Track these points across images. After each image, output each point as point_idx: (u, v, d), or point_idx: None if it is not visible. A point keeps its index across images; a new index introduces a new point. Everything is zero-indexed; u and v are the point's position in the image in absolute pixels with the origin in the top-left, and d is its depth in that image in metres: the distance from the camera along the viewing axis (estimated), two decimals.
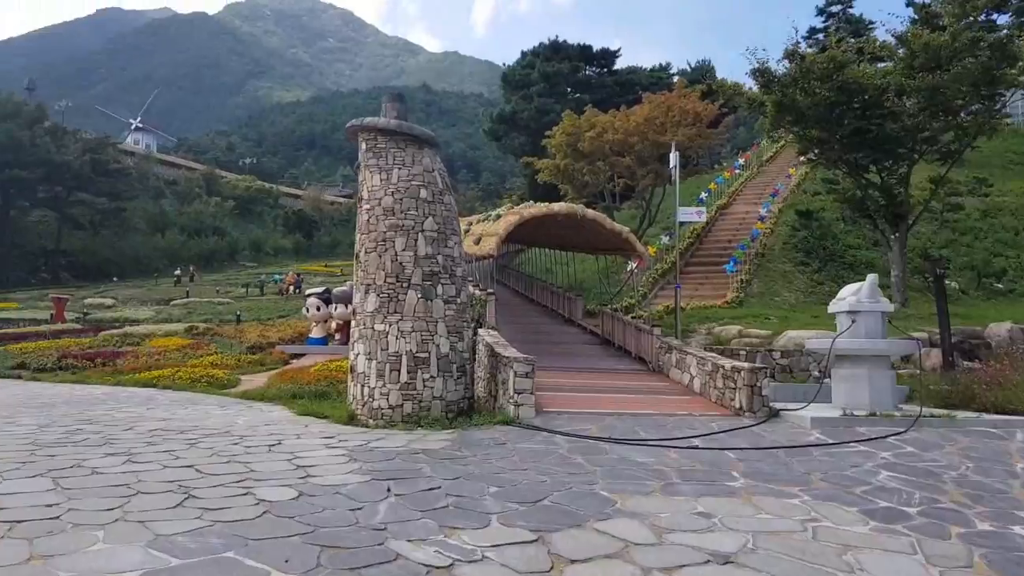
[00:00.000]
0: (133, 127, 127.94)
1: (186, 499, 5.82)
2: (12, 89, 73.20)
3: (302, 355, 20.78)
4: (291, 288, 40.10)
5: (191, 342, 23.30)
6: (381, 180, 10.82)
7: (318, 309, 21.58)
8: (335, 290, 21.73)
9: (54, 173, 54.50)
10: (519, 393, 9.97)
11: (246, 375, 17.74)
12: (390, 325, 10.35)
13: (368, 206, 10.86)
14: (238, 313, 29.95)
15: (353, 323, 10.98)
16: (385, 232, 10.60)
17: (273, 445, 8.32)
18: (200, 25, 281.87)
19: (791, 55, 20.20)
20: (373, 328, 10.44)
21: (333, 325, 21.26)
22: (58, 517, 5.16)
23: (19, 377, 18.65)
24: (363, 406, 10.40)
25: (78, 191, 56.60)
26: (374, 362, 10.38)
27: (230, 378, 16.29)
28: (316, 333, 21.68)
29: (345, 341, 21.08)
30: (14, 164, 51.73)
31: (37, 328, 27.33)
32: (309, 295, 21.92)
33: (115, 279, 52.75)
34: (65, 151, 56.85)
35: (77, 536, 4.74)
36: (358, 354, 10.65)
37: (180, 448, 7.94)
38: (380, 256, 10.58)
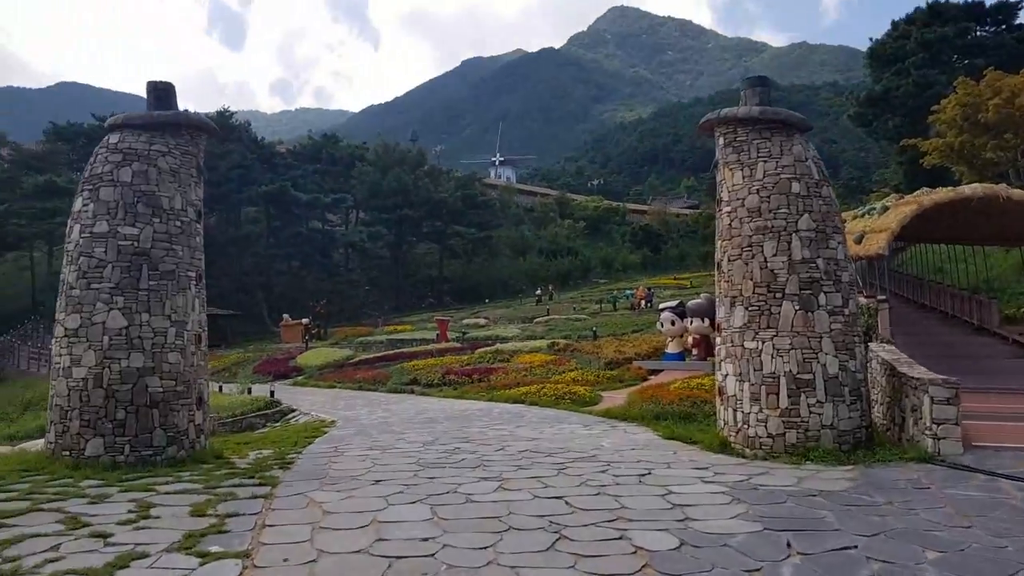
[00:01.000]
0: (494, 162, 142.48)
1: (557, 540, 5.30)
2: (399, 141, 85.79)
3: (659, 371, 20.16)
4: (642, 302, 40.13)
5: (553, 358, 24.15)
6: (744, 177, 9.63)
7: (672, 324, 20.81)
8: (689, 303, 20.78)
9: (434, 210, 62.25)
10: (939, 423, 7.98)
11: (606, 391, 17.61)
12: (762, 342, 9.06)
13: (729, 208, 9.74)
14: (594, 329, 30.57)
15: (719, 340, 9.90)
16: (751, 236, 9.37)
17: (643, 475, 7.60)
18: (547, 59, 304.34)
19: None
20: (743, 346, 9.25)
21: (689, 340, 20.30)
22: (433, 555, 4.95)
23: (411, 392, 20.90)
24: (736, 433, 9.25)
25: (454, 224, 63.92)
26: (746, 384, 9.17)
27: (591, 395, 16.24)
28: (672, 348, 20.93)
29: (703, 357, 20.04)
30: (403, 205, 60.20)
31: (427, 347, 30.85)
32: (663, 309, 21.29)
33: (487, 301, 58.21)
34: (441, 189, 64.69)
35: None
36: (727, 375, 9.53)
37: (548, 474, 7.62)
38: (746, 264, 9.36)
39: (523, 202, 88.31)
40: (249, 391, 21.69)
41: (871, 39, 33.75)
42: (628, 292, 45.05)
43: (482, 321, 42.91)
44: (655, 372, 20.30)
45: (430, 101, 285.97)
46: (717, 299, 10.04)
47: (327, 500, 6.49)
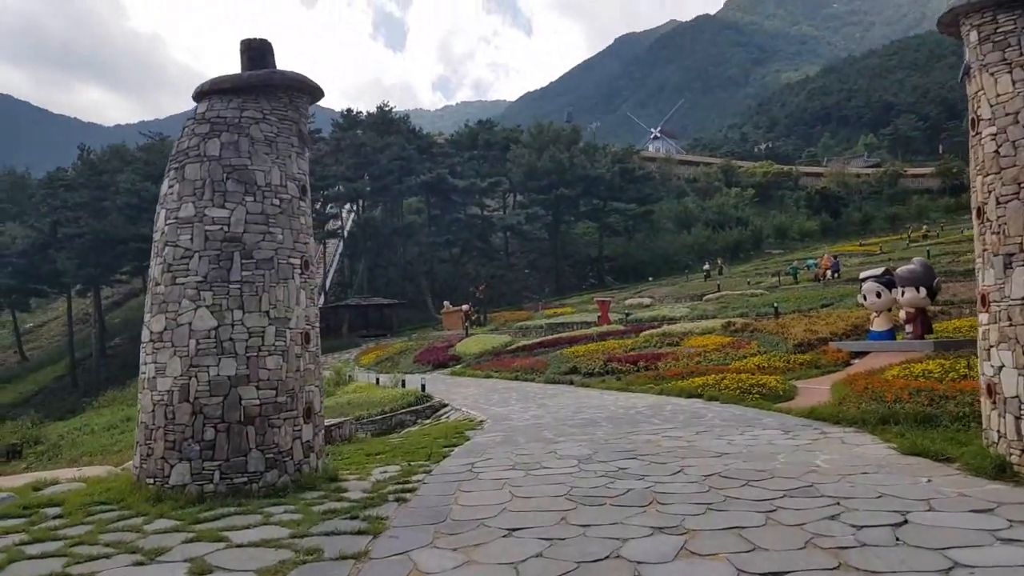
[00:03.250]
0: (652, 136, 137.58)
1: None
2: (557, 123, 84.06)
3: (865, 353, 16.86)
4: (828, 273, 35.74)
5: (731, 340, 21.33)
6: (1015, 82, 6.68)
7: (878, 296, 17.33)
8: (899, 270, 17.22)
9: (591, 187, 59.99)
10: None
11: (801, 381, 14.73)
12: None
13: (994, 129, 6.83)
14: (775, 305, 27.16)
15: (986, 317, 7.04)
16: None
17: (897, 526, 5.10)
18: (703, 27, 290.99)
19: None
20: None
21: (902, 315, 16.79)
22: None
23: (570, 383, 18.96)
24: (1022, 452, 6.42)
25: (612, 200, 61.37)
26: None
27: (784, 387, 13.47)
28: (879, 326, 17.46)
29: (919, 334, 16.50)
30: (559, 183, 58.43)
31: (587, 331, 28.87)
32: (865, 279, 17.82)
33: (650, 279, 55.31)
34: (597, 165, 62.25)
35: None
36: (1001, 367, 6.70)
37: (752, 522, 5.30)
38: None
39: (685, 173, 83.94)
40: (403, 384, 20.73)
41: None
42: (811, 262, 40.60)
43: (646, 301, 40.29)
44: (859, 355, 17.02)
45: (585, 83, 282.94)
46: (980, 258, 7.16)
47: (435, 570, 4.59)
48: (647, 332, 25.53)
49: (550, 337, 29.89)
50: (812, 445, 8.45)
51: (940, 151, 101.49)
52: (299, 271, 7.85)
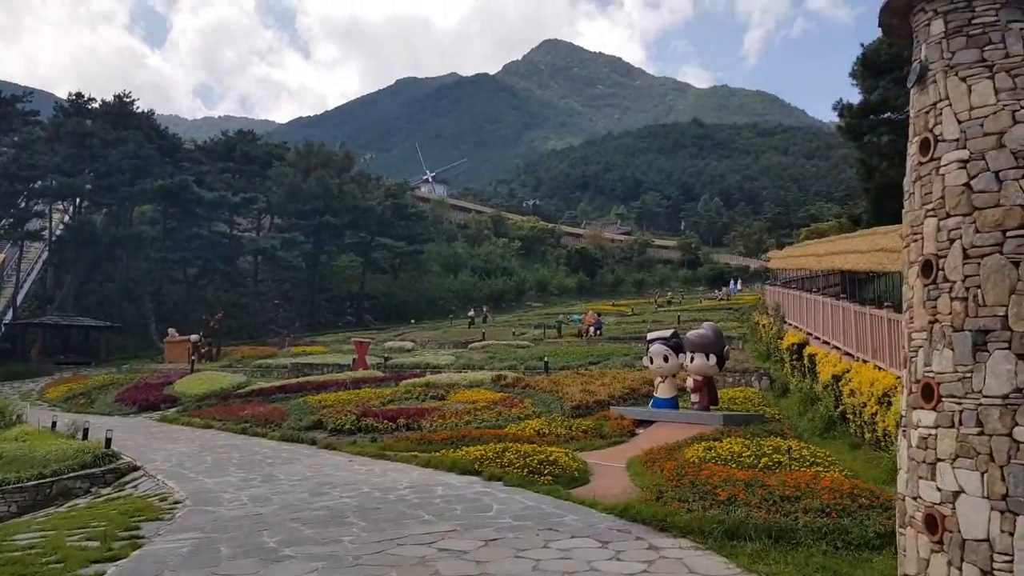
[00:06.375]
0: (424, 179, 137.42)
1: None
2: (329, 147, 79.32)
3: (650, 422, 15.23)
4: (591, 329, 35.34)
5: (502, 396, 18.94)
6: (999, 91, 4.72)
7: (665, 360, 15.87)
8: (690, 334, 15.93)
9: (360, 218, 56.23)
10: None
11: (589, 454, 12.45)
12: None
13: (962, 155, 4.81)
14: (545, 360, 25.54)
15: (930, 417, 4.89)
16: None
17: None
18: (482, 85, 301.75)
19: None
20: (1010, 436, 4.33)
21: (689, 382, 15.42)
22: None
23: (313, 442, 15.23)
24: None
25: (380, 235, 58.01)
26: (1020, 521, 4.23)
27: (577, 466, 11.01)
28: (663, 392, 15.95)
29: (705, 405, 15.20)
30: (324, 211, 53.97)
31: (339, 376, 25.10)
32: (652, 340, 16.34)
33: (412, 321, 52.53)
34: (369, 197, 58.81)
35: None
36: (958, 492, 4.58)
37: None
38: (1017, 264, 4.45)
39: (457, 218, 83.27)
40: (84, 433, 15.57)
41: (862, 44, 30.30)
42: (575, 317, 40.30)
43: (408, 345, 37.26)
44: (643, 423, 15.36)
45: (362, 117, 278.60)
46: (920, 332, 5.05)
47: None
48: (408, 381, 22.49)
49: (294, 380, 25.63)
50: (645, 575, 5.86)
51: (682, 227, 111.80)
52: None
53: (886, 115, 28.81)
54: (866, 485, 8.29)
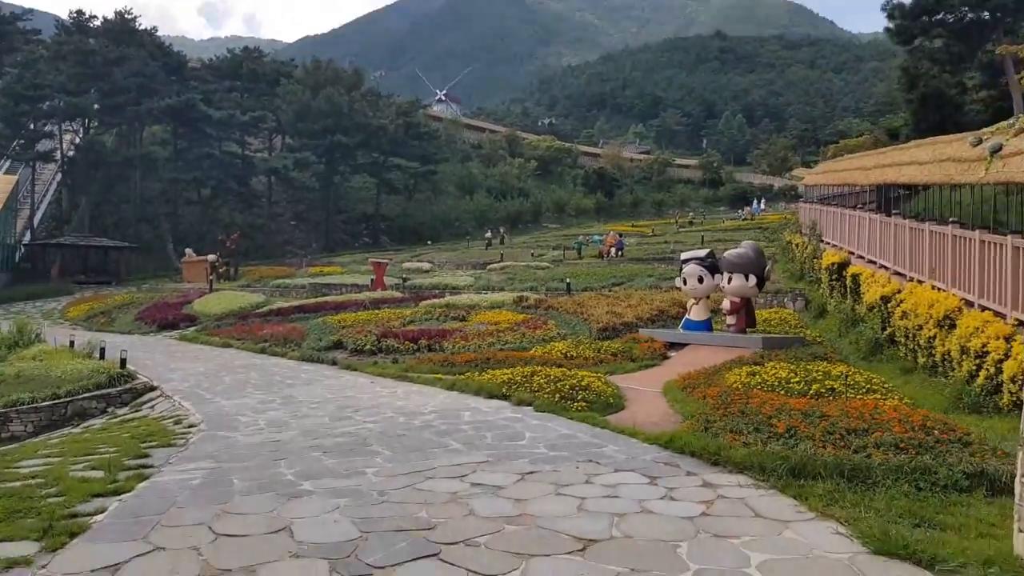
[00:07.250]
0: (437, 98, 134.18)
1: None
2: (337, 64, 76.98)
3: (683, 345, 14.55)
4: (612, 250, 34.53)
5: (524, 317, 18.35)
6: None
7: (700, 281, 15.09)
8: (728, 253, 15.08)
9: (372, 138, 54.83)
10: None
11: (619, 377, 11.81)
12: None
13: None
14: (567, 281, 24.86)
15: None
16: None
17: None
18: None
19: None
20: None
21: (725, 303, 14.67)
22: None
23: (333, 362, 14.71)
24: None
25: (394, 155, 56.68)
26: None
27: (612, 392, 10.37)
28: (697, 315, 15.23)
29: (742, 328, 14.49)
30: (335, 129, 52.55)
31: (358, 296, 24.58)
32: (687, 260, 15.51)
33: (429, 242, 51.88)
34: (380, 115, 57.18)
35: None
36: None
37: None
38: None
39: (470, 138, 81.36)
40: (101, 352, 15.15)
41: None
42: (596, 238, 39.39)
43: (425, 266, 36.68)
44: (675, 347, 14.68)
45: (370, 35, 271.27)
46: None
47: None
48: (428, 302, 21.94)
49: (312, 300, 25.19)
50: (712, 519, 5.23)
51: (704, 145, 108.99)
52: None
53: (939, 16, 26.70)
54: (938, 416, 7.57)
